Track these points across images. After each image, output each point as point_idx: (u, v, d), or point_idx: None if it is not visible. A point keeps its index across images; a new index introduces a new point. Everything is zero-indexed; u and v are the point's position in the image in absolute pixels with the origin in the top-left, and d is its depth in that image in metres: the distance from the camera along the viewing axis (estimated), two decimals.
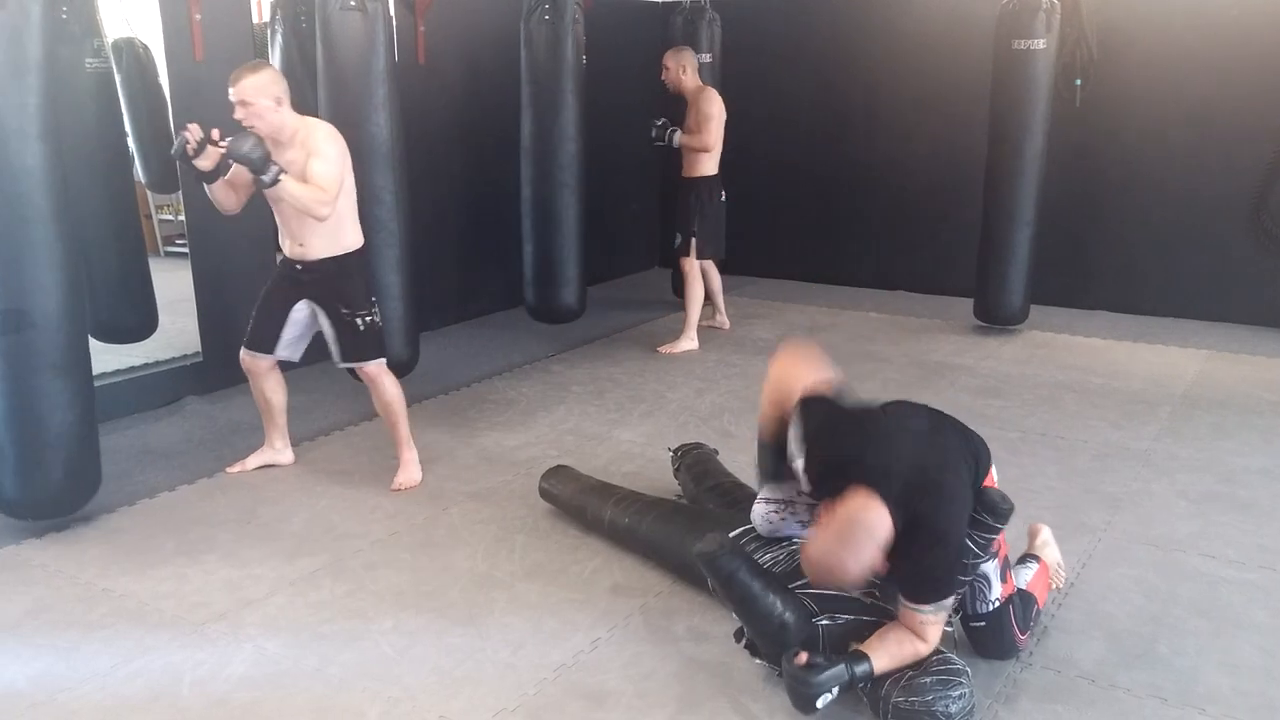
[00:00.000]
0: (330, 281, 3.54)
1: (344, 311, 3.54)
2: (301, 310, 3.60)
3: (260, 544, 3.22)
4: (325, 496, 3.58)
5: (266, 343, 3.62)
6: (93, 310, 4.57)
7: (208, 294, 4.63)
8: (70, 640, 2.67)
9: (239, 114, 3.26)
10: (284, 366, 3.73)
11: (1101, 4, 5.73)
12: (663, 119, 5.31)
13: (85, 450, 3.23)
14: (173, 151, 3.27)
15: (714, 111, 5.27)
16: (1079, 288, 6.11)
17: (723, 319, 5.85)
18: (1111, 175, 5.94)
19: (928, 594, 2.28)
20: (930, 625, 2.28)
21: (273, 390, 3.73)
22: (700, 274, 5.44)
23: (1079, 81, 5.79)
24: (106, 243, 4.57)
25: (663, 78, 5.38)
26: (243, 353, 3.67)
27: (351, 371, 3.69)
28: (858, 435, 2.37)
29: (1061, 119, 5.52)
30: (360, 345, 3.58)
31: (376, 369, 3.63)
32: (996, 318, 5.61)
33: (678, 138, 5.25)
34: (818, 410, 2.44)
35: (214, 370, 4.64)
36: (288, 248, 3.53)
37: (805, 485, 2.46)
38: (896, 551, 2.21)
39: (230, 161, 3.24)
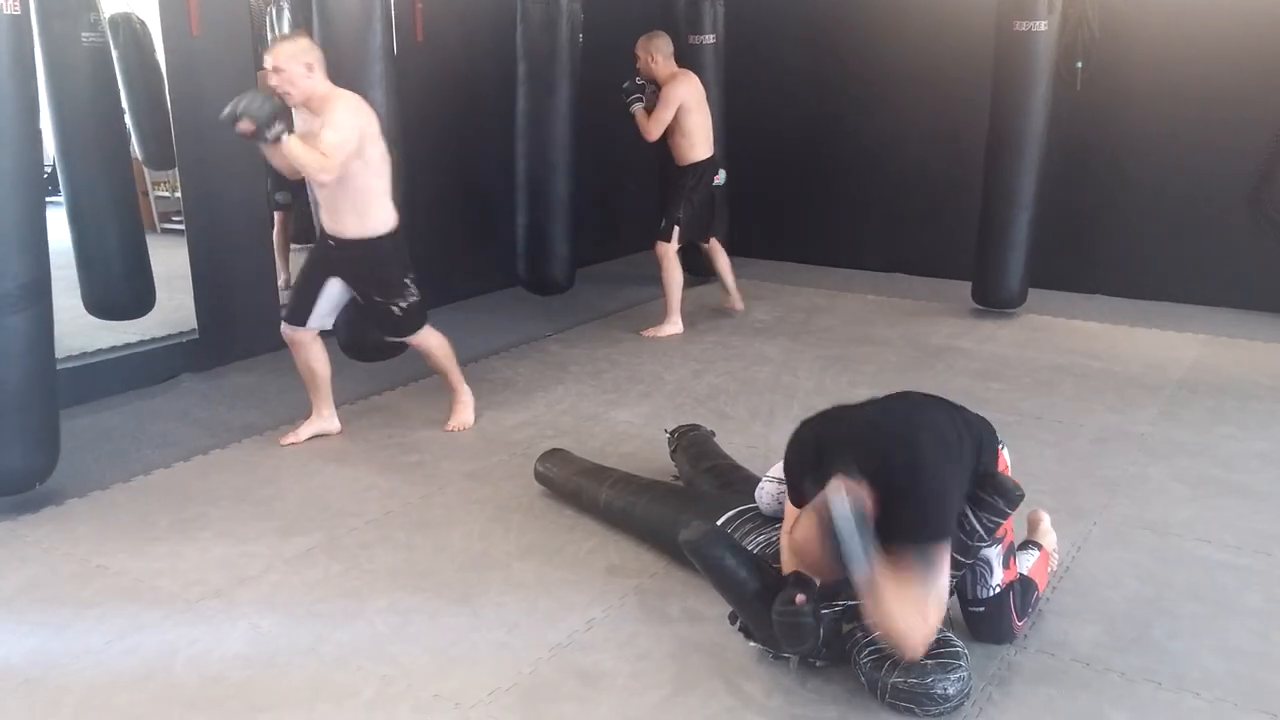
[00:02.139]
0: (361, 265, 3.61)
1: (378, 300, 3.65)
2: (335, 285, 3.67)
3: (255, 522, 3.22)
4: (320, 474, 3.58)
5: (299, 315, 3.68)
6: (89, 287, 4.58)
7: (204, 271, 4.60)
8: (64, 617, 2.67)
9: (273, 80, 3.36)
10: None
11: None
12: (642, 83, 5.15)
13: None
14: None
15: (669, 99, 5.10)
16: (1078, 271, 6.09)
17: (735, 299, 5.69)
18: (1112, 158, 5.91)
19: (927, 531, 2.19)
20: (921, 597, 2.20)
21: (316, 360, 3.76)
22: (676, 259, 5.27)
23: (1080, 64, 5.75)
24: (103, 219, 4.56)
25: (637, 66, 5.22)
26: (283, 326, 3.74)
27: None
28: (840, 437, 2.32)
29: (1062, 101, 5.48)
30: (400, 325, 3.72)
31: (421, 336, 3.77)
32: (995, 301, 5.59)
33: (636, 109, 5.13)
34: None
35: (210, 347, 4.63)
36: (326, 222, 3.60)
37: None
38: (884, 511, 2.17)
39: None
